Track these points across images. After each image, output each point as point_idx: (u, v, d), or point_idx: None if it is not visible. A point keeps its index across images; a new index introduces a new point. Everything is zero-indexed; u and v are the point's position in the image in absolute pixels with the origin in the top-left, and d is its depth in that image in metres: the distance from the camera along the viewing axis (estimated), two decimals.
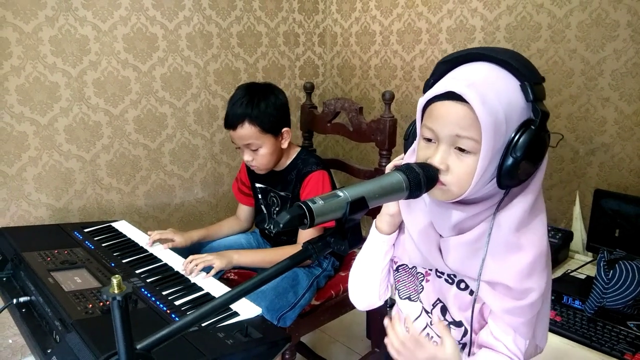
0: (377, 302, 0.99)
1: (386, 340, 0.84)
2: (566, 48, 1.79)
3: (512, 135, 0.72)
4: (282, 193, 1.58)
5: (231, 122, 1.45)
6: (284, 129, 1.50)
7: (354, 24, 2.52)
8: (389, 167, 0.92)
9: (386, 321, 0.84)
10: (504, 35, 1.95)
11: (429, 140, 0.77)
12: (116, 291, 0.46)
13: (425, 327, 0.95)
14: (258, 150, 1.47)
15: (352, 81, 2.61)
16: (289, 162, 1.57)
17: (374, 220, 0.92)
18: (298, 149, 1.60)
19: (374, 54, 2.46)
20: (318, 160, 1.57)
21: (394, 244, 0.92)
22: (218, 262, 1.38)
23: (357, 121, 1.64)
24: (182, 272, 1.34)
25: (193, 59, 2.12)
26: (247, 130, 1.44)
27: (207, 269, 1.36)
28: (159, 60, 2.02)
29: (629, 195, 1.64)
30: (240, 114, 1.43)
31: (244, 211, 1.75)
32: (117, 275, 0.46)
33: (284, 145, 1.52)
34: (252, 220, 1.79)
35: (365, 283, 0.97)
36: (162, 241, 1.53)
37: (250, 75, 2.32)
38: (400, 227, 0.91)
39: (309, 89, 1.83)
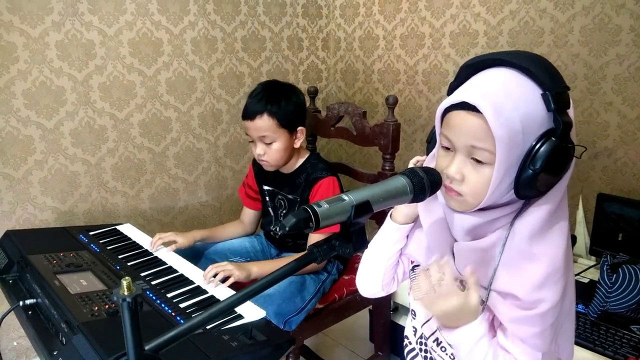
0: (379, 291, 0.99)
1: (413, 285, 0.81)
2: (569, 53, 1.80)
3: (532, 145, 0.70)
4: (290, 196, 1.59)
5: (250, 113, 1.47)
6: (299, 128, 1.52)
7: (357, 29, 2.53)
8: (411, 163, 0.92)
9: (420, 268, 0.82)
10: (507, 40, 1.96)
11: (447, 148, 0.77)
12: (126, 293, 0.47)
13: (436, 330, 0.95)
14: (272, 144, 1.48)
15: (356, 85, 2.62)
16: (298, 165, 1.58)
17: (391, 209, 0.92)
18: (308, 153, 1.61)
19: (377, 58, 2.48)
20: (327, 166, 1.58)
21: (407, 237, 0.92)
22: (237, 272, 1.36)
23: (360, 125, 1.64)
24: (200, 284, 1.31)
25: (198, 64, 2.14)
26: (265, 121, 1.46)
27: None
28: (164, 64, 2.04)
29: (632, 199, 1.64)
30: (261, 106, 1.46)
31: (248, 215, 1.76)
32: (127, 277, 0.47)
33: (297, 144, 1.53)
34: (256, 224, 1.79)
35: (371, 268, 0.97)
36: (165, 244, 1.53)
37: (254, 80, 2.34)
38: (415, 221, 0.91)
39: (313, 93, 1.84)
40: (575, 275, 1.65)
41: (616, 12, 1.66)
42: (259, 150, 1.50)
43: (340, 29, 2.61)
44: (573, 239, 1.78)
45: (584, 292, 1.52)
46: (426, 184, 0.72)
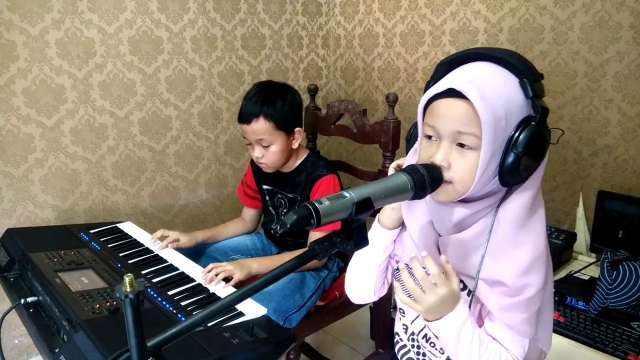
0: (371, 297, 1.00)
1: (396, 284, 0.83)
2: (569, 50, 1.80)
3: (513, 131, 0.73)
4: (290, 195, 1.58)
5: (246, 117, 1.46)
6: (297, 129, 1.51)
7: (357, 26, 2.53)
8: (391, 168, 0.93)
9: (402, 265, 0.83)
10: (507, 38, 1.96)
11: (430, 138, 0.78)
12: (128, 289, 0.47)
13: (424, 327, 0.95)
14: (269, 147, 1.48)
15: (356, 83, 2.62)
16: (297, 164, 1.58)
17: (377, 215, 0.93)
18: (307, 152, 1.61)
19: (377, 56, 2.48)
20: (327, 163, 1.58)
21: (394, 241, 0.93)
22: (238, 273, 1.36)
23: (360, 123, 1.64)
24: (201, 281, 1.31)
25: (197, 62, 2.14)
26: (261, 125, 1.44)
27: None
28: (164, 62, 2.04)
29: (632, 196, 1.65)
30: (256, 109, 1.44)
31: (249, 213, 1.76)
32: (129, 274, 0.47)
33: (295, 145, 1.53)
34: (257, 222, 1.79)
35: (362, 276, 0.97)
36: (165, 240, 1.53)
37: (254, 78, 2.34)
38: (403, 224, 0.92)
39: (313, 91, 1.84)
40: (576, 272, 1.65)
41: (616, 9, 1.66)
42: (256, 153, 1.50)
43: (340, 26, 2.61)
44: (573, 237, 1.78)
45: (584, 289, 1.52)
46: (427, 180, 0.72)
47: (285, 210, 1.63)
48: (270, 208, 1.68)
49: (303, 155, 1.59)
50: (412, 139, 0.89)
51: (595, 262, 1.72)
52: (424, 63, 2.28)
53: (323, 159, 1.62)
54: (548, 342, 0.89)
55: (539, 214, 0.80)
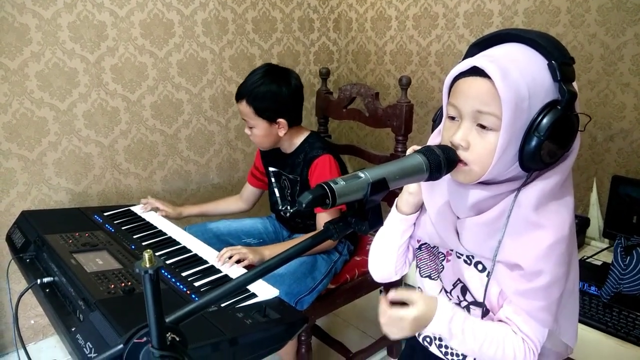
0: (393, 276, 1.00)
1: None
2: (585, 32, 1.77)
3: (537, 113, 0.71)
4: (291, 176, 1.60)
5: (236, 95, 1.53)
6: (280, 120, 1.51)
7: (369, 9, 2.50)
8: (410, 151, 0.93)
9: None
10: (522, 20, 1.93)
11: (453, 118, 0.78)
12: (148, 265, 0.48)
13: None
14: (252, 128, 1.53)
15: (367, 67, 2.60)
16: (297, 145, 1.59)
17: (396, 199, 0.93)
18: (307, 133, 1.61)
19: (389, 39, 2.45)
20: (324, 144, 1.58)
21: (414, 224, 0.93)
22: (251, 256, 1.38)
23: (373, 107, 1.64)
24: (214, 263, 1.33)
25: (209, 45, 2.13)
26: (244, 107, 1.51)
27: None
28: (175, 46, 2.03)
29: None
30: (242, 91, 1.50)
31: (247, 191, 1.81)
32: (148, 250, 0.48)
33: (281, 133, 1.54)
34: (254, 202, 1.83)
35: (383, 258, 0.98)
36: (153, 209, 1.66)
37: (265, 62, 2.31)
38: (422, 207, 0.91)
39: (325, 75, 1.83)
40: (588, 257, 1.65)
41: None
42: (246, 130, 1.57)
43: (352, 9, 2.58)
44: (586, 222, 1.77)
45: (597, 274, 1.51)
46: (442, 162, 0.71)
47: (289, 192, 1.64)
48: (276, 190, 1.69)
49: (303, 136, 1.60)
50: (438, 119, 0.88)
51: (608, 247, 1.71)
52: (437, 46, 2.26)
53: (321, 139, 1.62)
54: (573, 337, 0.86)
55: (565, 202, 0.78)
